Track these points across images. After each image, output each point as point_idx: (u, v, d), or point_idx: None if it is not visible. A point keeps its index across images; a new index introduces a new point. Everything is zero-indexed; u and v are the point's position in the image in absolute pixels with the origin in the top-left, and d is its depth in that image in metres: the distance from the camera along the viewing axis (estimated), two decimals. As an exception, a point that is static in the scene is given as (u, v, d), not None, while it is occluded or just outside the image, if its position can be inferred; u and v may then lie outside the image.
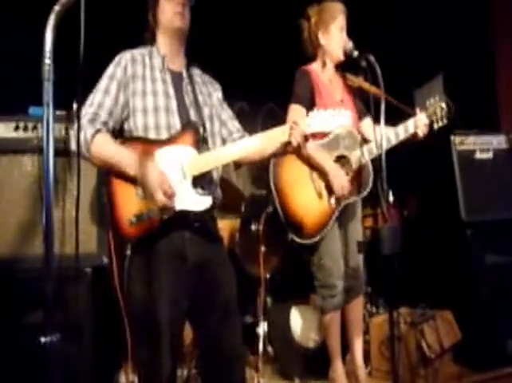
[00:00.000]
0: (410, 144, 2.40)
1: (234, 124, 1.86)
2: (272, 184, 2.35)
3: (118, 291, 1.56)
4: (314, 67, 2.48)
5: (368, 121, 2.52)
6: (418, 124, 2.34)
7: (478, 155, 2.87)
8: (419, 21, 3.65)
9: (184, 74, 1.76)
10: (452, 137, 2.82)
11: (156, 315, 1.49)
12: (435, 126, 2.36)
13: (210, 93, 1.83)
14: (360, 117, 2.54)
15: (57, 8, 1.06)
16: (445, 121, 2.36)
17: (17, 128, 2.10)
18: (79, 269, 2.02)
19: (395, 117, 2.29)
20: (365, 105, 2.51)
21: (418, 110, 2.38)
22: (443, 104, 2.35)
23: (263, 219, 2.79)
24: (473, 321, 2.66)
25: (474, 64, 3.44)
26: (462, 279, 2.76)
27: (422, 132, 2.35)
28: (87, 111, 1.59)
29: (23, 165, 2.08)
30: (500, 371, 2.53)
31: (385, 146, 2.28)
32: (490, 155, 2.89)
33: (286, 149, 1.66)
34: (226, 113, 1.86)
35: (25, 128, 2.11)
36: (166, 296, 1.52)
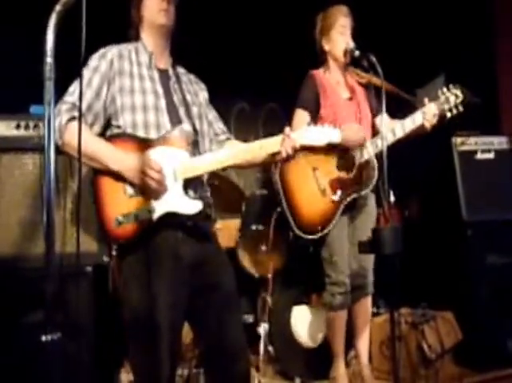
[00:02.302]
0: (417, 137, 2.33)
1: (219, 126, 1.85)
2: (278, 184, 2.38)
3: (117, 291, 1.56)
4: (320, 71, 2.54)
5: (381, 118, 2.50)
6: (426, 114, 2.26)
7: (479, 156, 2.87)
8: (421, 22, 3.66)
9: (171, 73, 1.72)
10: (453, 138, 2.82)
11: (155, 318, 1.45)
12: (448, 115, 2.27)
13: (196, 92, 1.80)
14: (375, 114, 2.54)
15: (58, 7, 1.06)
16: (460, 109, 2.26)
17: (18, 126, 2.10)
18: (80, 267, 2.02)
19: (407, 111, 2.27)
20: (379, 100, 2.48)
21: (427, 100, 2.30)
22: (458, 92, 2.27)
23: (273, 221, 2.77)
24: (473, 321, 2.66)
25: (475, 64, 3.44)
26: (462, 279, 2.76)
27: (429, 123, 2.26)
28: (66, 99, 1.54)
29: (24, 164, 2.08)
30: (501, 371, 2.53)
31: (391, 139, 2.28)
32: (491, 155, 2.88)
33: (274, 159, 1.66)
34: (212, 114, 1.85)
35: (27, 127, 2.10)
36: (164, 298, 1.47)
